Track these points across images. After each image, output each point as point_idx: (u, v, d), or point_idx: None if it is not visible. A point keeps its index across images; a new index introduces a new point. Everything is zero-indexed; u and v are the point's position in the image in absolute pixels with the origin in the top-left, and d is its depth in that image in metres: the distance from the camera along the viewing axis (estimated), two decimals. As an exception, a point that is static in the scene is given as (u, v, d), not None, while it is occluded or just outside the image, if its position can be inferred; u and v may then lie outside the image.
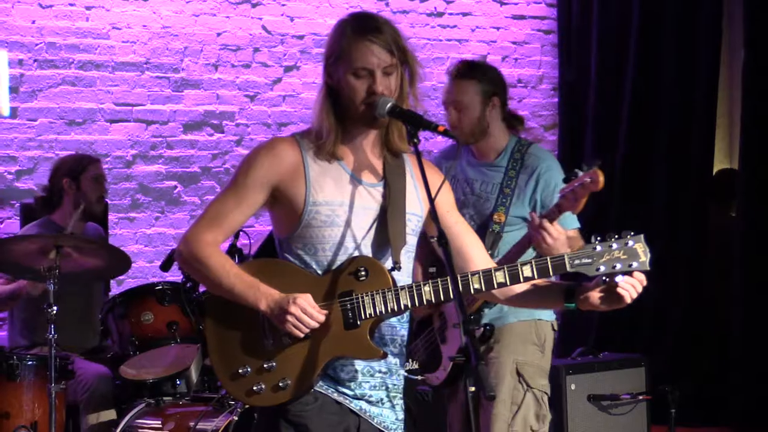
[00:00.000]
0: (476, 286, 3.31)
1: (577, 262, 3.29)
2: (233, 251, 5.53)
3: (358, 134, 3.42)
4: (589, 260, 3.29)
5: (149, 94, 7.65)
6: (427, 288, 3.29)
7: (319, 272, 3.37)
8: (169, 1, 7.70)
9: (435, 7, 8.53)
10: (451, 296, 3.26)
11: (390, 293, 3.30)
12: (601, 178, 4.24)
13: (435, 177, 3.41)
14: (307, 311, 3.26)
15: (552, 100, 9.00)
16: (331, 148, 3.38)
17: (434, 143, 8.11)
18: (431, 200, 3.25)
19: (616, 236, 3.30)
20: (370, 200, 3.40)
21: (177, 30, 7.72)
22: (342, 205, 3.37)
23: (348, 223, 3.36)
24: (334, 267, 3.36)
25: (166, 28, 7.69)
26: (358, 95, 3.34)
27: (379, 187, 3.43)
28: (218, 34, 7.85)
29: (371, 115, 3.35)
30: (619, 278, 3.28)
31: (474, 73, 4.83)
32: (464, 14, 8.63)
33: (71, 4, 7.45)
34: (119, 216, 7.51)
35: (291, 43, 8.04)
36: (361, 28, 3.36)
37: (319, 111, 3.40)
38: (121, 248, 5.96)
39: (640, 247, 3.29)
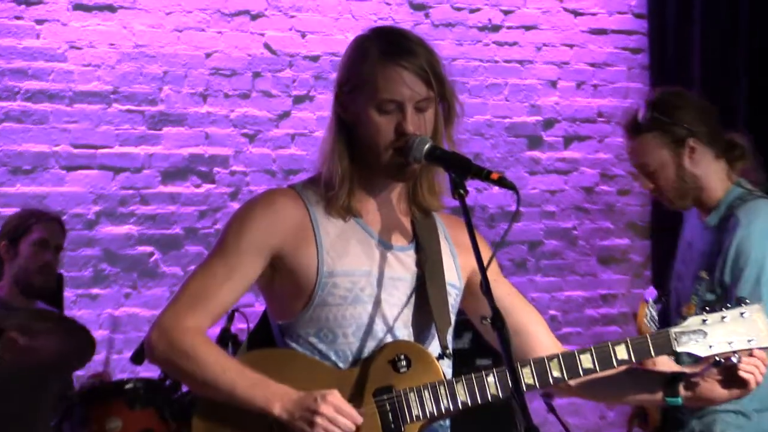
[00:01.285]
0: (556, 374, 3.32)
1: (685, 339, 3.34)
2: (226, 338, 5.54)
3: (381, 184, 3.44)
4: (699, 337, 3.34)
5: (118, 134, 7.66)
6: (491, 379, 3.27)
7: (341, 365, 3.35)
8: (143, 13, 7.74)
9: (489, 19, 8.55)
10: (524, 387, 3.27)
11: (442, 388, 3.28)
12: None
13: (480, 243, 3.33)
14: (343, 411, 3.23)
15: (643, 139, 8.96)
16: (345, 201, 3.39)
17: (489, 195, 8.08)
18: (482, 269, 3.18)
19: (728, 306, 3.38)
20: (400, 269, 3.41)
21: (154, 50, 7.76)
22: (367, 276, 3.36)
23: (376, 299, 3.35)
24: (361, 357, 3.34)
25: (139, 47, 7.73)
26: (383, 136, 3.33)
27: (410, 251, 3.45)
28: (207, 55, 7.89)
29: (400, 163, 3.34)
30: (734, 359, 3.33)
31: (650, 123, 4.59)
32: (527, 28, 8.66)
33: (17, 17, 7.48)
34: (78, 292, 7.51)
35: (302, 65, 8.08)
36: (389, 48, 3.35)
37: (328, 153, 3.41)
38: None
39: (759, 318, 3.36)
